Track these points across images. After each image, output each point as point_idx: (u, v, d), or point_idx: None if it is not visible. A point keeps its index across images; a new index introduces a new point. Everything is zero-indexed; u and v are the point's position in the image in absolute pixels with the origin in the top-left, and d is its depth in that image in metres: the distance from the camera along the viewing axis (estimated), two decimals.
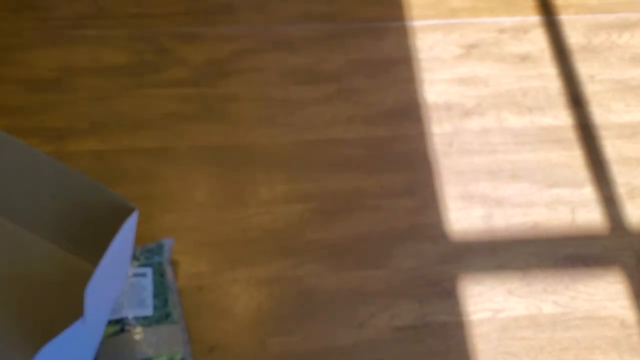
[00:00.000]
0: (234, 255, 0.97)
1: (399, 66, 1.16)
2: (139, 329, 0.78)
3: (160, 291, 0.83)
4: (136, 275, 0.82)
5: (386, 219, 1.01)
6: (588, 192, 1.07)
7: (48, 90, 1.08)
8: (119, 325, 0.78)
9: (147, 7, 1.18)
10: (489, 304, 0.96)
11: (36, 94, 1.08)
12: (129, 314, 0.79)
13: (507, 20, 1.23)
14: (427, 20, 1.22)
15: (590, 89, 1.17)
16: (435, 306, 0.95)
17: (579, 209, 1.05)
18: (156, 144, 1.05)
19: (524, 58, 1.19)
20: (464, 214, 1.03)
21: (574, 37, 1.22)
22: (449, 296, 0.96)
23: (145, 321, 0.79)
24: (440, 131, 1.10)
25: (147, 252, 0.87)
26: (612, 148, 1.11)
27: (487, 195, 1.05)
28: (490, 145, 1.10)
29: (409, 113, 1.12)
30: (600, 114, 1.15)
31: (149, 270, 0.84)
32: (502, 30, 1.22)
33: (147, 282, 0.82)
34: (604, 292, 0.98)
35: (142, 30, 1.16)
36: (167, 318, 0.81)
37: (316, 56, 1.16)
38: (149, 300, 0.81)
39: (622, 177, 1.09)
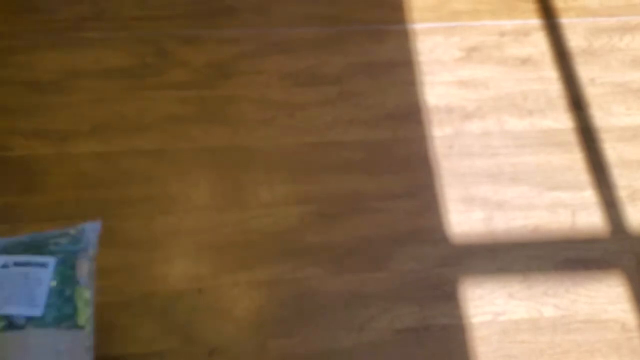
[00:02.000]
0: (235, 257, 0.96)
1: (400, 69, 1.16)
2: (28, 330, 0.60)
3: (65, 287, 0.64)
4: (32, 265, 0.63)
5: (387, 221, 1.01)
6: (589, 195, 1.07)
7: (50, 92, 1.08)
8: (5, 321, 0.61)
9: (148, 10, 1.18)
10: (490, 307, 0.96)
11: (38, 96, 1.08)
12: (14, 311, 0.61)
13: (508, 24, 1.23)
14: (428, 23, 1.21)
15: (591, 92, 1.17)
16: (435, 309, 0.94)
17: (579, 212, 1.05)
18: (157, 146, 1.05)
19: (525, 61, 1.19)
20: (465, 217, 1.03)
21: (575, 40, 1.22)
22: (450, 299, 0.95)
23: (37, 322, 0.61)
24: (441, 134, 1.10)
25: (58, 238, 0.68)
26: (612, 151, 1.11)
27: (488, 199, 1.05)
28: (491, 148, 1.10)
29: (409, 116, 1.12)
30: (601, 117, 1.14)
31: (51, 261, 0.64)
32: (503, 34, 1.22)
33: (45, 276, 0.63)
34: (604, 295, 0.98)
35: (144, 32, 1.16)
36: (68, 320, 0.63)
37: (317, 59, 1.16)
38: (41, 298, 0.62)
39: (623, 180, 1.09)
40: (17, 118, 1.05)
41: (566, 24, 1.24)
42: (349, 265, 0.97)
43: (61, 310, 0.64)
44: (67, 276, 0.66)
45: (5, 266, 0.64)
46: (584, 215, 1.04)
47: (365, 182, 1.05)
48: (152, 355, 0.88)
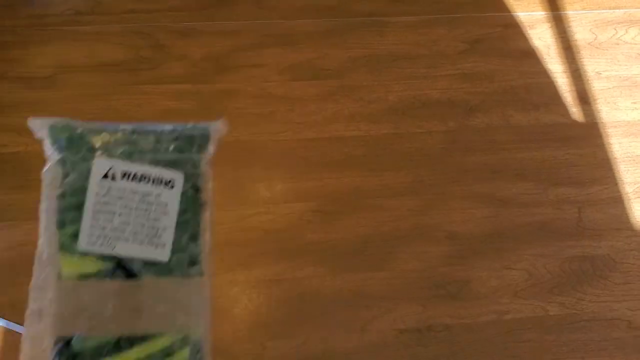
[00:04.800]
0: (233, 256, 0.95)
1: (402, 62, 1.14)
2: (146, 280, 0.38)
3: (190, 217, 0.41)
4: (155, 182, 0.40)
5: (388, 219, 0.99)
6: (595, 191, 1.05)
7: (43, 87, 1.06)
8: (111, 263, 0.38)
9: (143, 2, 1.16)
10: (494, 306, 0.94)
11: (31, 91, 1.06)
12: (131, 251, 0.39)
13: (512, 15, 1.20)
14: (431, 15, 1.19)
15: (597, 86, 1.15)
16: (439, 309, 0.93)
17: (585, 209, 1.03)
18: None
19: (530, 54, 1.17)
20: (469, 214, 1.01)
21: (580, 33, 1.20)
22: (454, 299, 0.94)
23: (159, 269, 0.40)
24: (443, 129, 1.08)
25: (180, 140, 0.42)
26: (619, 146, 1.09)
27: (492, 195, 1.03)
28: (495, 143, 1.08)
29: (411, 110, 1.10)
30: (607, 111, 1.12)
31: (179, 177, 0.40)
32: (507, 25, 1.19)
33: (172, 199, 0.40)
34: (610, 293, 0.96)
35: (139, 25, 1.13)
36: (193, 266, 0.40)
37: (317, 52, 1.14)
38: (167, 235, 0.40)
39: (629, 176, 1.07)
40: (10, 113, 1.03)
41: (571, 16, 1.22)
42: (350, 264, 0.95)
43: (185, 252, 0.41)
44: (192, 200, 0.42)
45: (119, 177, 0.40)
46: (590, 211, 1.03)
47: (367, 178, 1.02)
48: None
